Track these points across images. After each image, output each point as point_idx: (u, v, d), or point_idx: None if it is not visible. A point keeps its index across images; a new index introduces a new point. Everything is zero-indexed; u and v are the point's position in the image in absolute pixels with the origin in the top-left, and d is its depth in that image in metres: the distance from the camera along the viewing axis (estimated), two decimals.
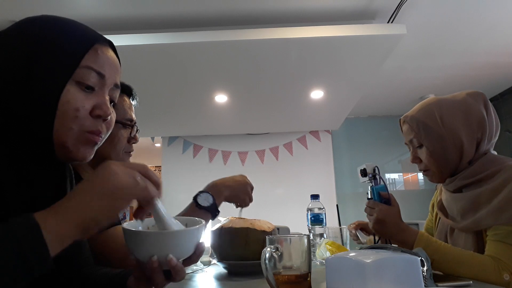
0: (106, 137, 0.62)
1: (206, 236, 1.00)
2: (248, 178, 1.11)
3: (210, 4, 2.19)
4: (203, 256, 1.17)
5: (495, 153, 1.01)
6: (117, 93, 0.62)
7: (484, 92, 1.01)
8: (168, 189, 4.13)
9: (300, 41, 2.26)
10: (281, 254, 0.63)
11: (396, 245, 0.94)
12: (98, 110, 0.56)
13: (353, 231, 1.19)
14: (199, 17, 2.31)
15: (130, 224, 0.54)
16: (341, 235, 1.20)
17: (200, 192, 0.99)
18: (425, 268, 0.64)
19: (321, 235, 1.22)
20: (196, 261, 0.57)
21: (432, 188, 4.05)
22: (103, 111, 0.56)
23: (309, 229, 1.25)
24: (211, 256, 1.16)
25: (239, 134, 4.26)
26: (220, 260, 0.97)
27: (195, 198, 0.98)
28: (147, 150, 5.83)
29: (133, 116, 1.04)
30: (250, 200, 1.08)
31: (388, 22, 2.35)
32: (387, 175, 4.43)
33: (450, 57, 2.99)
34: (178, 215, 0.89)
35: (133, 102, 1.08)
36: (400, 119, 1.09)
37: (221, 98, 3.13)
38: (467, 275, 0.83)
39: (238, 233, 0.94)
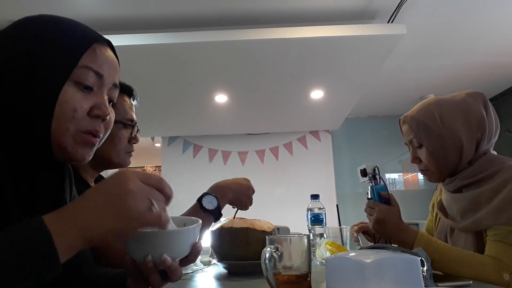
0: (106, 137, 0.61)
1: (206, 236, 1.00)
2: (248, 178, 1.10)
3: (210, 4, 2.19)
4: (203, 256, 1.18)
5: (495, 153, 1.01)
6: (116, 93, 0.62)
7: (484, 92, 1.01)
8: None
9: (300, 41, 2.26)
10: (281, 254, 0.63)
11: (396, 245, 0.94)
12: (97, 110, 0.55)
13: (355, 234, 1.19)
14: (199, 17, 2.31)
15: None
16: (341, 235, 1.20)
17: (205, 194, 0.99)
18: (425, 268, 0.64)
19: (321, 235, 1.22)
20: (194, 261, 0.56)
21: (432, 188, 4.06)
22: (101, 111, 0.56)
23: (309, 229, 1.25)
24: (211, 256, 1.16)
25: (239, 134, 4.26)
26: (220, 260, 0.97)
27: (199, 200, 0.97)
28: (147, 150, 5.83)
29: (134, 116, 1.04)
30: (250, 204, 1.08)
31: (388, 22, 2.35)
32: (387, 175, 4.43)
33: (450, 57, 2.99)
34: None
35: (134, 102, 1.08)
36: (399, 119, 1.09)
37: (221, 98, 3.13)
38: (467, 275, 0.83)
39: (238, 233, 0.94)
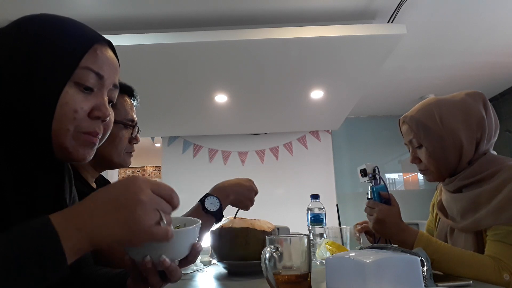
0: (106, 138, 0.62)
1: (206, 236, 1.00)
2: (248, 178, 1.10)
3: (210, 4, 2.19)
4: (203, 256, 1.18)
5: (495, 153, 1.01)
6: (116, 94, 0.62)
7: (484, 92, 1.01)
8: None
9: (300, 41, 2.26)
10: (281, 254, 0.63)
11: (396, 245, 0.94)
12: (97, 111, 0.55)
13: (357, 234, 1.18)
14: (199, 17, 2.31)
15: None
16: (341, 235, 1.20)
17: (207, 195, 0.99)
18: (425, 268, 0.64)
19: (321, 235, 1.22)
20: (193, 262, 0.56)
21: (432, 188, 4.06)
22: (101, 113, 0.56)
23: (309, 229, 1.24)
24: (211, 256, 1.16)
25: (239, 134, 4.26)
26: (220, 260, 0.97)
27: (202, 201, 0.97)
28: (147, 150, 5.84)
29: (134, 116, 1.05)
30: (252, 205, 1.07)
31: (388, 22, 2.35)
32: (387, 175, 4.43)
33: (450, 57, 2.99)
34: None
35: (134, 103, 1.08)
36: (399, 120, 1.09)
37: (221, 98, 3.13)
38: (467, 275, 0.83)
39: (238, 233, 0.94)
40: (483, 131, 0.96)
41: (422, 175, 1.08)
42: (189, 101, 3.19)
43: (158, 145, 5.29)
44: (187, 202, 1.00)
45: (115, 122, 0.95)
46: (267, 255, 0.62)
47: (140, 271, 0.53)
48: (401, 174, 4.47)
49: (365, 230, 1.21)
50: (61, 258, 0.40)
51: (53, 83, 0.51)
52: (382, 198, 1.01)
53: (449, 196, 1.03)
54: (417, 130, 1.00)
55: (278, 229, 1.16)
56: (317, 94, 3.11)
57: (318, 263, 1.09)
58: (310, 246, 0.67)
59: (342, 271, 0.54)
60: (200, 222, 0.56)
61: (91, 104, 0.55)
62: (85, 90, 0.54)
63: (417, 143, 1.02)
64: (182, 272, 0.55)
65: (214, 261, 1.02)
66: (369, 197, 1.04)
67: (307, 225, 1.25)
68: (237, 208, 1.08)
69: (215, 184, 1.04)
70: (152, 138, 4.46)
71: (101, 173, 1.08)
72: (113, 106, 0.62)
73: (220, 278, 0.95)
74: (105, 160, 0.98)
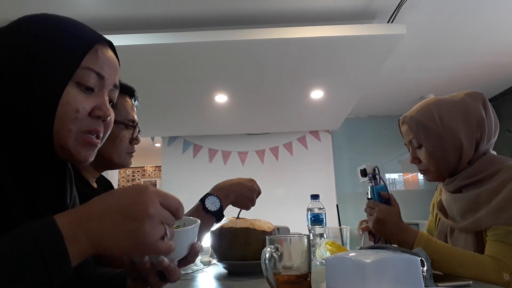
0: (107, 138, 0.62)
1: (206, 236, 1.00)
2: (251, 178, 1.09)
3: (210, 4, 2.19)
4: (203, 256, 1.18)
5: (495, 153, 1.01)
6: (116, 94, 0.62)
7: (484, 92, 1.01)
8: (168, 189, 4.12)
9: (300, 41, 2.26)
10: (281, 254, 0.63)
11: (396, 245, 0.94)
12: (98, 111, 0.56)
13: (360, 232, 1.18)
14: (199, 17, 2.31)
15: None
16: (341, 235, 1.20)
17: (208, 194, 0.99)
18: (425, 268, 0.64)
19: (321, 235, 1.22)
20: (193, 262, 0.56)
21: (432, 188, 4.06)
22: (103, 112, 0.56)
23: (309, 229, 1.24)
24: (211, 256, 1.16)
25: (239, 134, 4.26)
26: (220, 260, 0.97)
27: (202, 201, 0.97)
28: (147, 150, 5.84)
29: (135, 117, 1.05)
30: (253, 205, 1.07)
31: (388, 22, 2.35)
32: (387, 175, 4.43)
33: (450, 57, 2.99)
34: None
35: (135, 103, 1.08)
36: (399, 120, 1.09)
37: (221, 98, 3.13)
38: (467, 275, 0.83)
39: (238, 233, 0.94)
40: (483, 131, 0.96)
41: (422, 175, 1.08)
42: (189, 101, 3.19)
43: (158, 145, 5.29)
44: (187, 202, 1.00)
45: (116, 122, 0.95)
46: (267, 255, 0.62)
47: (139, 271, 0.53)
48: (401, 174, 4.47)
49: (368, 230, 1.21)
50: (66, 261, 0.40)
51: (54, 83, 0.51)
52: (382, 198, 1.01)
53: (449, 196, 1.03)
54: (417, 130, 1.00)
55: (278, 229, 1.16)
56: (317, 94, 3.11)
57: (318, 263, 1.09)
58: (310, 246, 0.68)
59: (342, 271, 0.54)
60: (199, 222, 0.56)
61: (92, 104, 0.55)
62: (86, 90, 0.54)
63: (417, 143, 1.02)
64: (182, 272, 0.55)
65: (214, 261, 1.02)
66: (369, 197, 1.04)
67: (307, 225, 1.25)
68: (239, 208, 1.08)
69: (215, 184, 1.04)
70: (152, 138, 4.46)
71: (102, 173, 1.08)
72: (114, 107, 0.62)
73: (220, 278, 0.95)
74: (105, 161, 0.98)
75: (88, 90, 0.55)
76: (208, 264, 1.18)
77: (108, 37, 0.60)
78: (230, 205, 1.05)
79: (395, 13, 2.26)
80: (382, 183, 1.04)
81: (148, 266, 0.50)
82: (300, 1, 2.20)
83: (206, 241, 1.02)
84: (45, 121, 0.51)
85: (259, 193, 1.08)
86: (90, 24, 0.59)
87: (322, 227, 1.23)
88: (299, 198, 3.82)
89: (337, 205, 1.52)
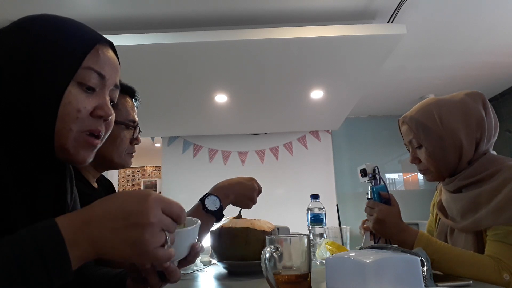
0: (108, 138, 0.62)
1: (206, 236, 1.00)
2: (251, 177, 1.09)
3: (210, 4, 2.19)
4: (203, 256, 1.18)
5: (495, 153, 1.01)
6: (116, 93, 0.62)
7: (484, 92, 1.01)
8: (168, 189, 4.13)
9: (300, 41, 2.26)
10: (281, 254, 0.63)
11: (396, 245, 0.94)
12: (100, 111, 0.56)
13: (362, 231, 1.18)
14: (199, 17, 2.31)
15: None
16: (341, 235, 1.20)
17: (208, 194, 0.99)
18: (425, 268, 0.64)
19: (321, 235, 1.22)
20: (193, 262, 0.56)
21: (432, 188, 4.06)
22: (104, 112, 0.56)
23: (309, 229, 1.24)
24: (211, 256, 1.16)
25: (239, 134, 4.26)
26: (220, 260, 0.97)
27: (202, 200, 0.97)
28: (147, 150, 5.84)
29: (136, 117, 1.05)
30: (254, 203, 1.07)
31: (388, 22, 2.35)
32: (387, 175, 4.43)
33: (450, 57, 2.99)
34: None
35: (136, 103, 1.08)
36: (399, 120, 1.09)
37: (221, 98, 3.13)
38: (467, 275, 0.83)
39: (238, 233, 0.94)
40: (482, 131, 0.96)
41: (422, 175, 1.08)
42: (189, 101, 3.19)
43: (158, 145, 5.29)
44: (187, 202, 1.00)
45: (117, 122, 0.95)
46: (267, 255, 0.62)
47: (139, 271, 0.53)
48: (401, 174, 4.47)
49: (369, 230, 1.21)
50: (67, 264, 0.40)
51: (56, 83, 0.51)
52: (382, 198, 1.01)
53: (449, 196, 1.03)
54: (417, 130, 1.00)
55: (278, 229, 1.16)
56: (317, 94, 3.11)
57: (318, 263, 1.09)
58: (310, 246, 0.68)
59: (342, 271, 0.54)
60: (200, 222, 0.56)
61: (94, 103, 0.55)
62: (87, 90, 0.55)
63: (417, 143, 1.02)
64: (182, 272, 0.55)
65: (214, 261, 1.02)
66: (369, 197, 1.04)
67: (307, 225, 1.25)
68: (240, 208, 1.08)
69: (215, 184, 1.04)
70: (152, 138, 4.46)
71: (102, 173, 1.08)
72: (115, 107, 0.62)
73: (220, 278, 0.95)
74: (106, 161, 0.98)
75: (90, 90, 0.55)
76: (208, 264, 1.18)
77: (108, 37, 0.60)
78: (230, 205, 1.05)
79: (395, 13, 2.26)
80: (382, 183, 1.04)
81: (148, 266, 0.50)
82: (300, 1, 2.20)
83: (206, 241, 1.02)
84: (47, 121, 0.51)
85: (260, 191, 1.08)
86: (90, 24, 0.59)
87: (322, 227, 1.23)
88: (299, 198, 3.82)
89: (337, 205, 1.52)
